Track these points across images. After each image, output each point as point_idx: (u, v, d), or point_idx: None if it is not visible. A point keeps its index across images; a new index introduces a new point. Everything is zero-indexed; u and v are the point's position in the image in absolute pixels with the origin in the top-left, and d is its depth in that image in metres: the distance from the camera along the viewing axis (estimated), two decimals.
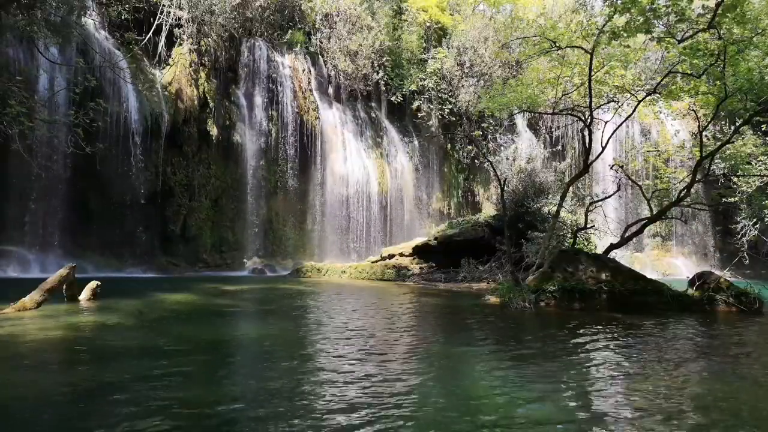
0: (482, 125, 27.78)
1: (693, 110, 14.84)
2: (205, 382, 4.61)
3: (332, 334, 7.27)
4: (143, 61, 19.90)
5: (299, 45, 24.39)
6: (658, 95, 13.20)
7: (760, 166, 16.94)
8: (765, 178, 17.14)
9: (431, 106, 27.16)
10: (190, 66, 20.73)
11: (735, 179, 18.52)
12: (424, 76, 26.82)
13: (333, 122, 24.59)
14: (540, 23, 13.34)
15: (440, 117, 27.32)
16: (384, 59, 25.83)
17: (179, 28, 20.62)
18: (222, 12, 21.28)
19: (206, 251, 21.00)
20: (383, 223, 24.99)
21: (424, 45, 27.76)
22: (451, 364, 5.54)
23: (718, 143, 13.60)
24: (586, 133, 13.40)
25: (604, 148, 13.43)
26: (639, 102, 13.27)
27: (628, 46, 12.31)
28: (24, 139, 12.74)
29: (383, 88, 26.33)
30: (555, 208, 13.99)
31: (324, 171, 23.97)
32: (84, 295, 9.47)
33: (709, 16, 10.32)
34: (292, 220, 23.50)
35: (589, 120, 12.82)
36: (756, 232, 21.30)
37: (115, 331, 6.93)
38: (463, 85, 26.98)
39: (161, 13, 19.92)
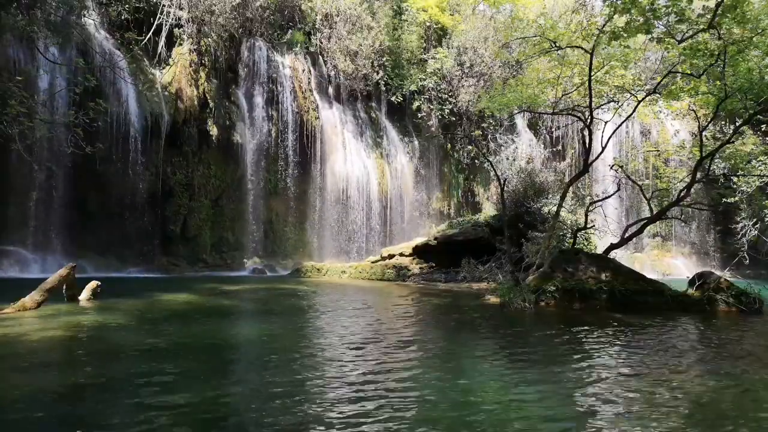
0: (482, 125, 27.76)
1: (693, 110, 14.83)
2: (205, 382, 4.60)
3: (332, 334, 7.27)
4: (143, 61, 19.89)
5: (299, 45, 24.38)
6: (658, 95, 13.20)
7: (760, 166, 16.92)
8: (765, 178, 17.12)
9: (431, 106, 27.15)
10: (190, 66, 20.72)
11: (735, 179, 18.50)
12: (424, 76, 26.81)
13: (333, 122, 24.58)
14: (540, 23, 13.31)
15: (440, 117, 27.30)
16: (384, 59, 25.82)
17: (179, 28, 20.61)
18: (222, 12, 21.27)
19: (206, 251, 20.99)
20: (383, 223, 24.99)
21: (424, 45, 27.74)
22: (451, 364, 5.54)
23: (718, 143, 13.59)
24: (586, 133, 13.40)
25: (604, 148, 13.43)
26: (639, 102, 13.27)
27: (628, 46, 12.31)
28: (24, 139, 12.72)
29: (383, 88, 26.31)
30: (555, 208, 13.99)
31: (324, 171, 23.96)
32: (84, 295, 9.47)
33: (709, 17, 10.32)
34: (292, 220, 23.49)
35: (589, 120, 12.82)
36: (756, 232, 21.28)
37: (115, 331, 6.93)
38: (463, 85, 26.97)
39: (161, 13, 19.90)
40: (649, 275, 12.52)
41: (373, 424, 3.57)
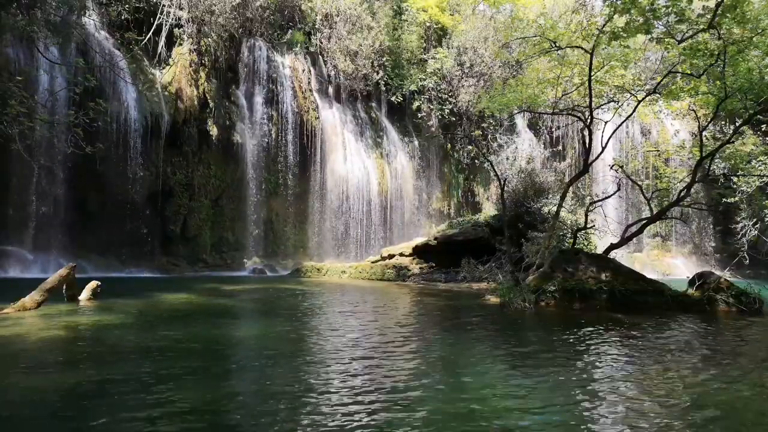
0: (482, 125, 27.77)
1: (693, 110, 14.83)
2: (205, 383, 4.61)
3: (332, 334, 7.27)
4: (143, 61, 19.89)
5: (299, 45, 24.39)
6: (658, 95, 13.20)
7: (760, 166, 16.92)
8: (765, 178, 17.12)
9: (431, 106, 27.16)
10: (190, 66, 20.72)
11: (735, 179, 18.50)
12: (424, 76, 26.82)
13: (333, 122, 24.58)
14: (540, 23, 13.31)
15: (440, 117, 27.31)
16: (384, 59, 25.83)
17: (179, 28, 20.62)
18: (222, 12, 21.27)
19: (206, 251, 21.00)
20: (383, 223, 24.99)
21: (424, 45, 27.75)
22: (451, 364, 5.54)
23: (718, 143, 13.59)
24: (586, 133, 13.40)
25: (604, 148, 13.43)
26: (639, 102, 13.27)
27: (628, 47, 12.31)
28: (24, 139, 12.73)
29: (383, 88, 26.33)
30: (555, 208, 13.99)
31: (324, 171, 23.97)
32: (84, 295, 9.47)
33: (709, 17, 10.32)
34: (292, 220, 23.51)
35: (589, 120, 12.82)
36: (756, 232, 21.28)
37: (115, 331, 6.93)
38: (463, 85, 26.98)
39: (161, 13, 19.91)
40: (649, 275, 12.51)
41: (373, 424, 3.57)
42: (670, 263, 26.90)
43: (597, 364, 5.64)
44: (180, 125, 20.23)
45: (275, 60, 23.26)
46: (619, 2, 10.53)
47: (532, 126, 29.67)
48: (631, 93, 13.77)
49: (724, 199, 19.94)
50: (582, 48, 12.44)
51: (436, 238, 18.89)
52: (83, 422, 3.55)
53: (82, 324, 7.44)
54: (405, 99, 26.61)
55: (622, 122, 14.43)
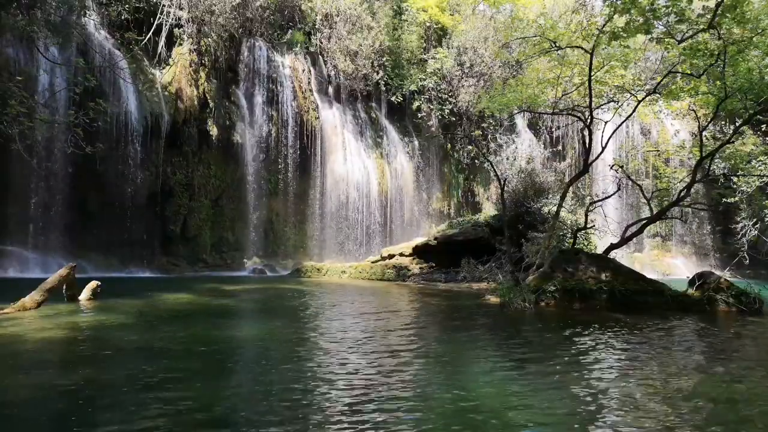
0: (482, 125, 27.77)
1: (693, 110, 14.83)
2: (204, 383, 4.61)
3: (332, 335, 7.27)
4: (143, 61, 19.88)
5: (299, 45, 24.38)
6: (658, 95, 13.20)
7: (760, 166, 16.91)
8: (765, 178, 17.12)
9: (431, 106, 27.15)
10: (190, 66, 20.71)
11: (735, 179, 18.50)
12: (424, 76, 26.81)
13: (333, 122, 24.58)
14: (540, 23, 13.32)
15: (440, 117, 27.30)
16: (384, 59, 25.82)
17: (179, 28, 20.61)
18: (222, 12, 21.26)
19: (206, 251, 20.99)
20: (383, 223, 24.98)
21: (424, 45, 27.74)
22: (450, 364, 5.54)
23: (718, 143, 13.59)
24: (586, 133, 13.40)
25: (604, 148, 13.43)
26: (639, 102, 13.27)
27: (628, 47, 12.31)
28: (24, 139, 12.73)
29: (383, 88, 26.31)
30: (555, 208, 13.99)
31: (324, 171, 23.97)
32: (84, 295, 9.47)
33: (709, 17, 10.32)
34: (292, 220, 23.50)
35: (589, 120, 12.82)
36: (756, 232, 21.27)
37: (115, 331, 6.93)
38: (463, 85, 26.97)
39: (161, 13, 19.90)
40: (649, 275, 12.52)
41: (373, 425, 3.57)
42: (670, 263, 26.89)
43: (597, 364, 5.64)
44: (180, 125, 20.23)
45: (275, 60, 23.26)
46: (619, 2, 10.53)
47: (532, 126, 29.65)
48: (631, 93, 13.78)
49: (724, 199, 19.93)
50: (582, 48, 12.44)
51: (436, 238, 18.89)
52: (83, 422, 3.55)
53: (82, 324, 7.45)
54: (405, 99, 26.60)
55: (622, 122, 14.43)
